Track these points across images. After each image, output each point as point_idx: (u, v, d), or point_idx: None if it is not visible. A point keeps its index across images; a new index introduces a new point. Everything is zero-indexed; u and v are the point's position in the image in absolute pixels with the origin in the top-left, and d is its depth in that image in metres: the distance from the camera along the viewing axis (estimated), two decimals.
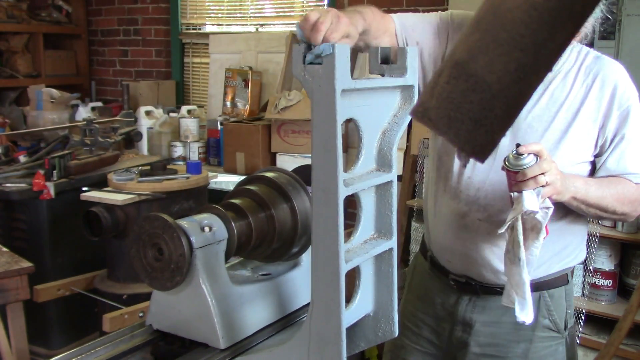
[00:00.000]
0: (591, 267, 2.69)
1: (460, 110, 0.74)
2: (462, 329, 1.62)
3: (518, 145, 1.32)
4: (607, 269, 2.71)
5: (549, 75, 1.49)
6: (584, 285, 2.74)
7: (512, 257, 1.35)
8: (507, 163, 1.34)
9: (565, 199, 1.41)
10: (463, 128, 0.74)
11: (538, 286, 1.54)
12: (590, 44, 2.96)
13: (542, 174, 1.31)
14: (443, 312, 1.66)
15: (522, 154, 1.31)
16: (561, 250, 1.57)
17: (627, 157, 1.51)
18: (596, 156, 1.54)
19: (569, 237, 1.58)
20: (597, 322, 2.68)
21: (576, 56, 1.54)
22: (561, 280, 1.60)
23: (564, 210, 1.52)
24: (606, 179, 1.51)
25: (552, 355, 1.60)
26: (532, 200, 1.30)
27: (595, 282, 2.71)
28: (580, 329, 2.60)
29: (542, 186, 1.31)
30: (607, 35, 2.94)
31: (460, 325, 1.62)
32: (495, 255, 1.53)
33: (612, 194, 1.48)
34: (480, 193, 1.53)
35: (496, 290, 1.56)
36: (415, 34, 1.53)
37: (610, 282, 2.71)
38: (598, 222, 2.69)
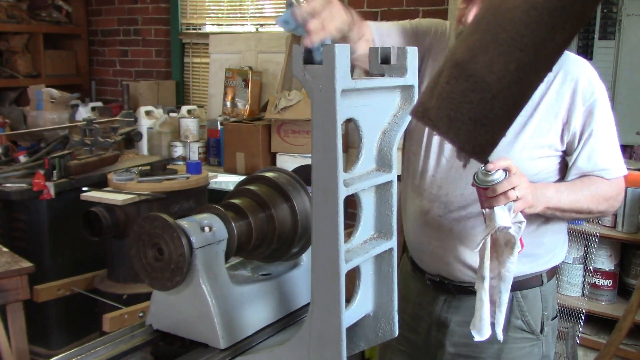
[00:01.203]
0: (591, 267, 2.69)
1: (460, 110, 0.74)
2: (437, 328, 1.64)
3: (487, 162, 1.28)
4: (607, 269, 2.71)
5: None
6: (584, 285, 2.74)
7: (478, 274, 1.36)
8: (476, 179, 1.32)
9: (539, 210, 1.40)
10: (463, 128, 0.74)
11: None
12: (591, 44, 2.96)
13: (512, 188, 1.30)
14: (421, 312, 1.68)
15: (491, 170, 1.30)
16: (532, 252, 1.54)
17: (597, 153, 1.51)
18: (565, 153, 1.54)
19: (540, 238, 1.56)
20: (597, 322, 2.68)
21: None
22: (535, 281, 1.59)
23: (539, 220, 1.53)
24: (578, 181, 1.51)
25: (527, 356, 1.59)
26: (504, 216, 1.29)
27: (595, 282, 2.71)
28: (580, 329, 2.60)
29: (514, 201, 1.30)
30: (607, 35, 2.94)
31: (436, 325, 1.64)
32: (459, 252, 1.56)
33: (585, 195, 1.48)
34: (442, 190, 1.56)
35: (470, 290, 1.54)
36: (390, 40, 1.57)
37: (610, 282, 2.71)
38: (598, 222, 2.69)
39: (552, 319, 1.64)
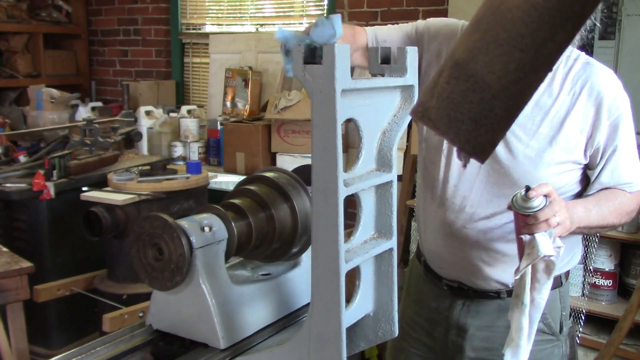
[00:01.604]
0: (591, 267, 2.69)
1: (460, 110, 0.74)
2: (456, 332, 1.62)
3: (528, 189, 1.28)
4: (607, 269, 2.71)
5: None
6: (584, 285, 2.74)
7: (517, 301, 1.33)
8: (515, 205, 1.30)
9: (571, 230, 1.39)
10: (463, 128, 0.74)
11: None
12: (591, 44, 2.96)
13: (553, 215, 1.28)
14: (438, 317, 1.66)
15: (532, 197, 1.27)
16: None
17: (620, 168, 1.49)
18: (588, 167, 1.52)
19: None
20: (597, 322, 2.68)
21: (565, 61, 1.50)
22: (555, 283, 1.57)
23: None
24: (602, 195, 1.49)
25: (548, 357, 1.59)
26: (547, 244, 1.27)
27: (595, 282, 2.71)
28: (580, 329, 2.60)
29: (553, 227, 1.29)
30: (607, 35, 2.94)
31: (455, 330, 1.62)
32: (484, 263, 1.54)
33: (610, 210, 1.47)
34: (466, 202, 1.53)
35: (490, 295, 1.56)
36: (387, 45, 1.54)
37: (610, 282, 2.71)
38: None
39: (568, 318, 1.66)
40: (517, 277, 1.31)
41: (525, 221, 1.30)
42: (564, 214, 1.31)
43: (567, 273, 1.64)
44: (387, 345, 1.86)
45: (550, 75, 1.47)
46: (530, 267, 1.30)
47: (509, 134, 1.47)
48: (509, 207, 1.32)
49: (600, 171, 1.50)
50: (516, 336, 1.33)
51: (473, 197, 1.52)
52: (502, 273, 1.55)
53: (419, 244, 1.74)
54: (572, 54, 1.51)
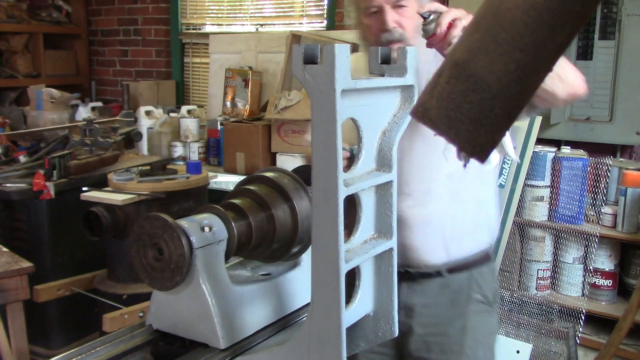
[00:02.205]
0: (591, 267, 2.70)
1: (460, 110, 0.74)
2: (405, 314, 1.68)
3: (423, 15, 1.40)
4: (607, 269, 2.71)
5: None
6: (584, 285, 2.74)
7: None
8: (425, 32, 1.40)
9: None
10: (463, 128, 0.74)
11: (466, 265, 1.69)
12: (591, 44, 2.96)
13: (457, 18, 1.38)
14: None
15: (428, 16, 1.39)
16: (474, 227, 1.70)
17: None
18: None
19: (482, 214, 1.72)
20: (597, 322, 2.68)
21: None
22: (485, 258, 1.73)
23: (475, 197, 1.68)
24: None
25: (486, 325, 1.73)
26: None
27: (595, 282, 2.71)
28: (580, 329, 2.60)
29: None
30: (607, 35, 2.94)
31: (403, 312, 1.68)
32: (422, 237, 1.63)
33: None
34: (402, 183, 1.55)
35: (430, 275, 1.68)
36: None
37: (610, 282, 2.71)
38: (598, 222, 2.69)
39: (498, 292, 1.85)
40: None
41: (436, 40, 1.39)
42: (465, 15, 1.38)
43: (493, 250, 1.79)
44: None
45: None
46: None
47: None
48: (427, 45, 1.42)
49: None
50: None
51: (407, 177, 1.60)
52: (442, 252, 1.66)
53: None
54: None
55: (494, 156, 1.46)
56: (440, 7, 1.41)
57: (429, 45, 1.41)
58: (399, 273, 1.64)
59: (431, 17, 1.39)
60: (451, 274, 1.68)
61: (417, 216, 1.63)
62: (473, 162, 1.49)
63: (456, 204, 1.65)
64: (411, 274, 1.67)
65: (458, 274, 1.68)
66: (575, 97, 1.51)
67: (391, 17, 1.57)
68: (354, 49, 3.40)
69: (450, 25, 1.37)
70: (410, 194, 1.62)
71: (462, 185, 1.65)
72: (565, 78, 1.47)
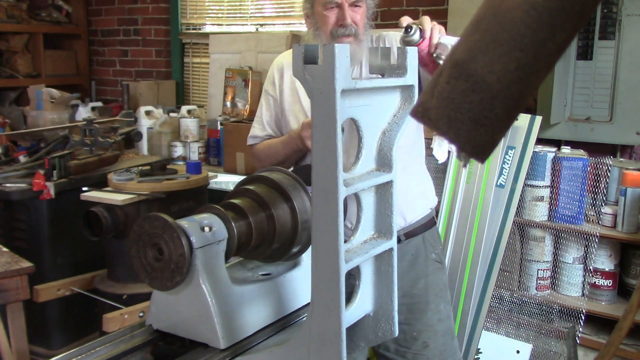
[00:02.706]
0: (591, 267, 2.69)
1: (460, 110, 0.74)
2: None
3: (405, 28, 1.59)
4: (607, 269, 2.71)
5: None
6: (584, 285, 2.74)
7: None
8: (411, 42, 1.58)
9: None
10: (463, 128, 0.74)
11: (418, 230, 1.92)
12: (591, 44, 2.96)
13: (434, 24, 1.62)
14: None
15: (409, 28, 1.58)
16: (420, 194, 1.95)
17: None
18: None
19: (423, 181, 1.98)
20: (597, 322, 2.68)
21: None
22: (431, 222, 1.99)
23: (418, 161, 1.94)
24: None
25: (441, 281, 1.98)
26: (446, 39, 1.61)
27: (595, 282, 2.71)
28: (580, 329, 2.60)
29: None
30: (607, 35, 2.94)
31: None
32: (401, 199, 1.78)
33: None
34: None
35: (400, 240, 1.85)
36: None
37: (610, 282, 2.71)
38: (598, 222, 2.69)
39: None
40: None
41: (423, 51, 1.58)
42: (436, 24, 1.64)
43: (434, 215, 2.04)
44: None
45: None
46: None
47: None
48: (415, 45, 1.59)
49: None
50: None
51: None
52: (400, 219, 1.85)
53: None
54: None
55: (442, 154, 1.66)
56: (416, 20, 1.61)
57: (419, 52, 1.52)
58: None
59: (414, 27, 1.58)
60: (408, 239, 1.90)
61: None
62: (417, 139, 1.93)
63: (405, 174, 1.75)
64: None
65: (414, 238, 1.91)
66: None
67: (349, 14, 1.78)
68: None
69: (432, 29, 1.59)
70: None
71: (408, 157, 1.84)
72: None
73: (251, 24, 4.36)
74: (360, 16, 1.81)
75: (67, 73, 4.97)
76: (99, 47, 5.07)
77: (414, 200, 1.90)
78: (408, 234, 1.90)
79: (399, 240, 1.73)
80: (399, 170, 1.70)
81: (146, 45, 4.81)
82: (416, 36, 1.58)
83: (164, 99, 4.45)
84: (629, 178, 2.65)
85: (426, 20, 1.61)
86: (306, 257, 1.39)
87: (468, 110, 0.73)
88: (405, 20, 1.61)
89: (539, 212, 2.77)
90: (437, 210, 2.81)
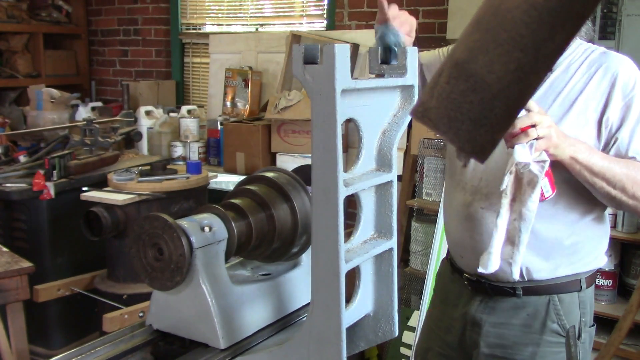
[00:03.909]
0: None
1: (460, 110, 0.74)
2: (471, 328, 1.62)
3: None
4: (607, 269, 2.71)
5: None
6: None
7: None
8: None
9: (565, 156, 1.37)
10: (463, 128, 0.74)
11: (547, 289, 1.54)
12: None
13: (534, 126, 1.29)
14: (456, 313, 1.67)
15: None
16: (572, 251, 1.53)
17: (634, 142, 1.45)
18: (602, 150, 1.49)
19: (581, 236, 1.54)
20: (597, 322, 2.66)
21: (582, 52, 1.53)
22: (573, 285, 1.56)
23: (582, 209, 1.51)
24: (615, 158, 1.46)
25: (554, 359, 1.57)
26: (523, 153, 1.29)
27: (595, 282, 2.71)
28: None
29: (536, 139, 1.30)
30: (607, 35, 2.94)
31: (470, 325, 1.63)
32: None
33: (621, 169, 1.41)
34: (482, 182, 1.54)
35: (507, 291, 1.55)
36: (433, 69, 1.63)
37: (610, 282, 2.70)
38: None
39: (590, 326, 1.63)
40: (503, 187, 1.33)
41: (509, 136, 1.31)
42: (546, 128, 1.31)
43: (590, 278, 1.60)
44: (416, 347, 1.89)
45: (566, 62, 1.51)
46: (512, 179, 1.32)
47: (522, 113, 1.48)
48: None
49: (611, 147, 1.47)
50: (489, 241, 1.37)
51: (488, 177, 1.53)
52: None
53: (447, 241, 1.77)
54: (589, 47, 1.54)
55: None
56: (532, 104, 1.32)
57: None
58: (471, 281, 1.61)
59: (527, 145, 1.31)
60: (527, 296, 1.54)
61: (489, 217, 1.51)
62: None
63: (544, 221, 1.47)
64: (484, 286, 1.58)
65: (535, 296, 1.54)
66: None
67: None
68: (354, 49, 3.41)
69: (524, 130, 1.29)
70: (486, 195, 1.53)
71: (553, 206, 1.49)
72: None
73: (251, 24, 4.36)
74: None
75: (67, 73, 4.97)
76: (99, 47, 5.07)
77: (548, 254, 1.52)
78: (528, 290, 1.54)
79: (514, 293, 1.53)
80: (544, 217, 1.47)
81: (146, 45, 4.81)
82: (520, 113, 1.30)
83: (164, 99, 4.45)
84: None
85: (527, 116, 1.31)
86: (306, 257, 1.39)
87: (468, 110, 0.73)
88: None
89: None
90: (437, 210, 2.81)
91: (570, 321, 1.56)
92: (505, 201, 1.34)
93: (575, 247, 1.53)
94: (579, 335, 1.58)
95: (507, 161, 1.33)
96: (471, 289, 1.63)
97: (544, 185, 1.35)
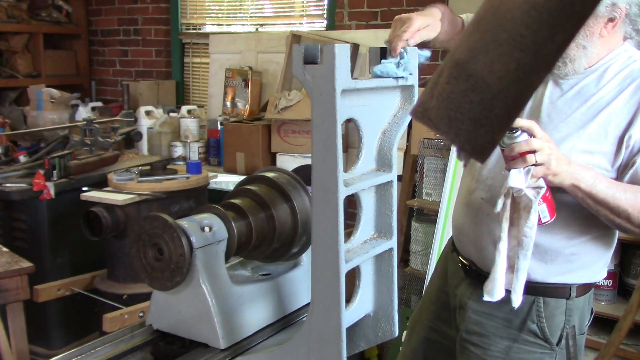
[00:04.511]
0: None
1: (460, 110, 0.74)
2: (459, 311, 1.65)
3: (512, 128, 1.27)
4: (607, 269, 2.71)
5: (588, 69, 1.44)
6: None
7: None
8: (502, 143, 1.29)
9: (566, 184, 1.32)
10: (463, 128, 0.74)
11: (534, 290, 1.50)
12: None
13: (533, 152, 1.26)
14: (451, 292, 1.70)
15: (515, 131, 1.26)
16: (569, 261, 1.50)
17: None
18: (619, 169, 1.42)
19: (581, 251, 1.51)
20: (597, 322, 2.67)
21: (624, 60, 1.45)
22: (561, 292, 1.53)
23: (584, 227, 1.47)
24: (626, 184, 1.38)
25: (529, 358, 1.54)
26: (517, 178, 1.26)
27: (590, 292, 2.71)
28: None
29: (534, 165, 1.27)
30: None
31: (458, 308, 1.65)
32: (493, 238, 1.49)
33: (628, 198, 1.35)
34: (489, 173, 1.53)
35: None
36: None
37: (610, 282, 2.70)
38: None
39: (580, 334, 1.59)
40: (497, 210, 1.32)
41: (504, 155, 1.29)
42: (546, 155, 1.27)
43: (583, 288, 1.56)
44: (410, 318, 1.93)
45: (603, 67, 1.44)
46: (510, 202, 1.31)
47: (544, 114, 1.45)
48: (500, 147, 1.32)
49: (629, 170, 1.40)
50: (492, 269, 1.36)
51: (495, 170, 1.51)
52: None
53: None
54: (634, 55, 1.46)
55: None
56: (535, 129, 1.28)
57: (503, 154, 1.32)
58: (464, 265, 1.63)
59: (516, 133, 1.27)
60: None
61: (487, 209, 1.51)
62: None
63: (544, 235, 1.44)
64: (475, 272, 1.58)
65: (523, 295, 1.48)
66: None
67: None
68: (354, 49, 3.41)
69: (522, 155, 1.26)
70: (489, 187, 1.52)
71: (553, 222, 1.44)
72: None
73: (251, 24, 4.36)
74: None
75: (67, 73, 4.97)
76: (99, 47, 5.07)
77: (547, 257, 1.50)
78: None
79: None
80: (544, 231, 1.41)
81: (146, 45, 4.81)
82: (507, 142, 1.27)
83: (164, 99, 4.45)
84: None
85: (528, 142, 1.27)
86: (306, 257, 1.39)
87: (468, 110, 0.73)
88: (522, 122, 1.29)
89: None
90: (437, 210, 2.81)
91: (552, 326, 1.53)
92: (505, 225, 1.33)
93: (572, 258, 1.51)
94: (559, 341, 1.54)
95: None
96: (464, 271, 1.65)
97: (541, 210, 1.32)
